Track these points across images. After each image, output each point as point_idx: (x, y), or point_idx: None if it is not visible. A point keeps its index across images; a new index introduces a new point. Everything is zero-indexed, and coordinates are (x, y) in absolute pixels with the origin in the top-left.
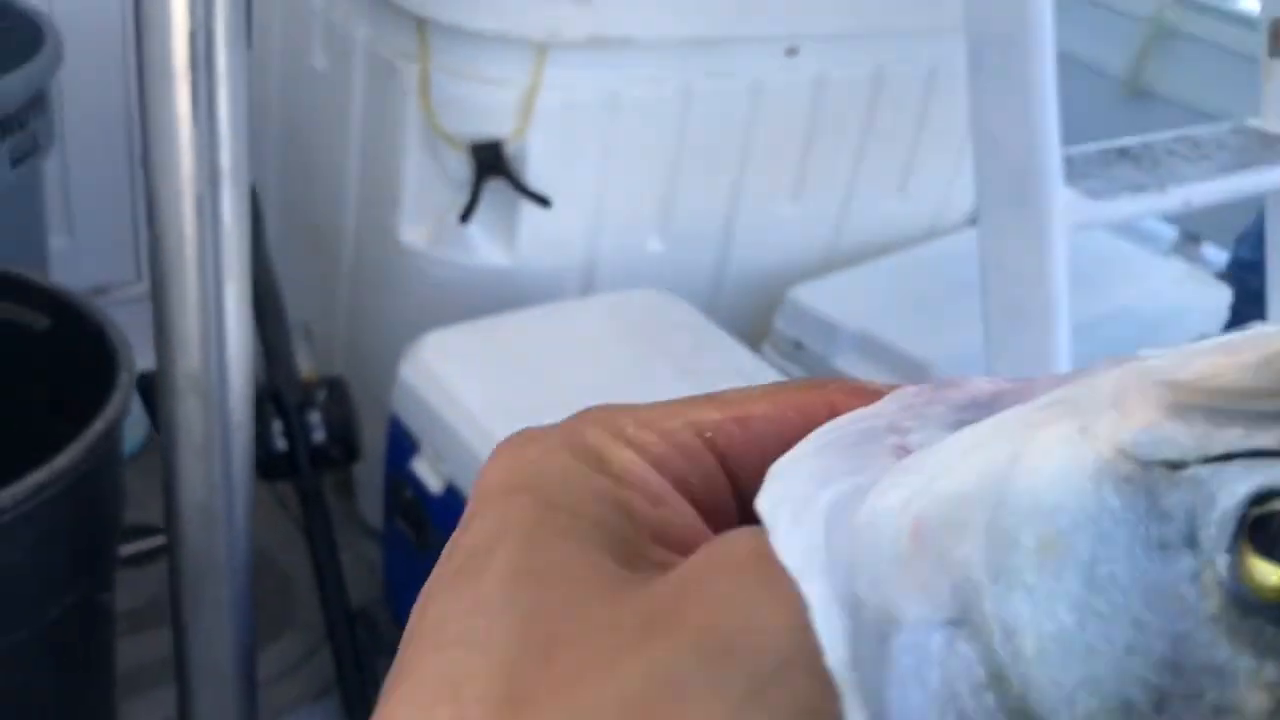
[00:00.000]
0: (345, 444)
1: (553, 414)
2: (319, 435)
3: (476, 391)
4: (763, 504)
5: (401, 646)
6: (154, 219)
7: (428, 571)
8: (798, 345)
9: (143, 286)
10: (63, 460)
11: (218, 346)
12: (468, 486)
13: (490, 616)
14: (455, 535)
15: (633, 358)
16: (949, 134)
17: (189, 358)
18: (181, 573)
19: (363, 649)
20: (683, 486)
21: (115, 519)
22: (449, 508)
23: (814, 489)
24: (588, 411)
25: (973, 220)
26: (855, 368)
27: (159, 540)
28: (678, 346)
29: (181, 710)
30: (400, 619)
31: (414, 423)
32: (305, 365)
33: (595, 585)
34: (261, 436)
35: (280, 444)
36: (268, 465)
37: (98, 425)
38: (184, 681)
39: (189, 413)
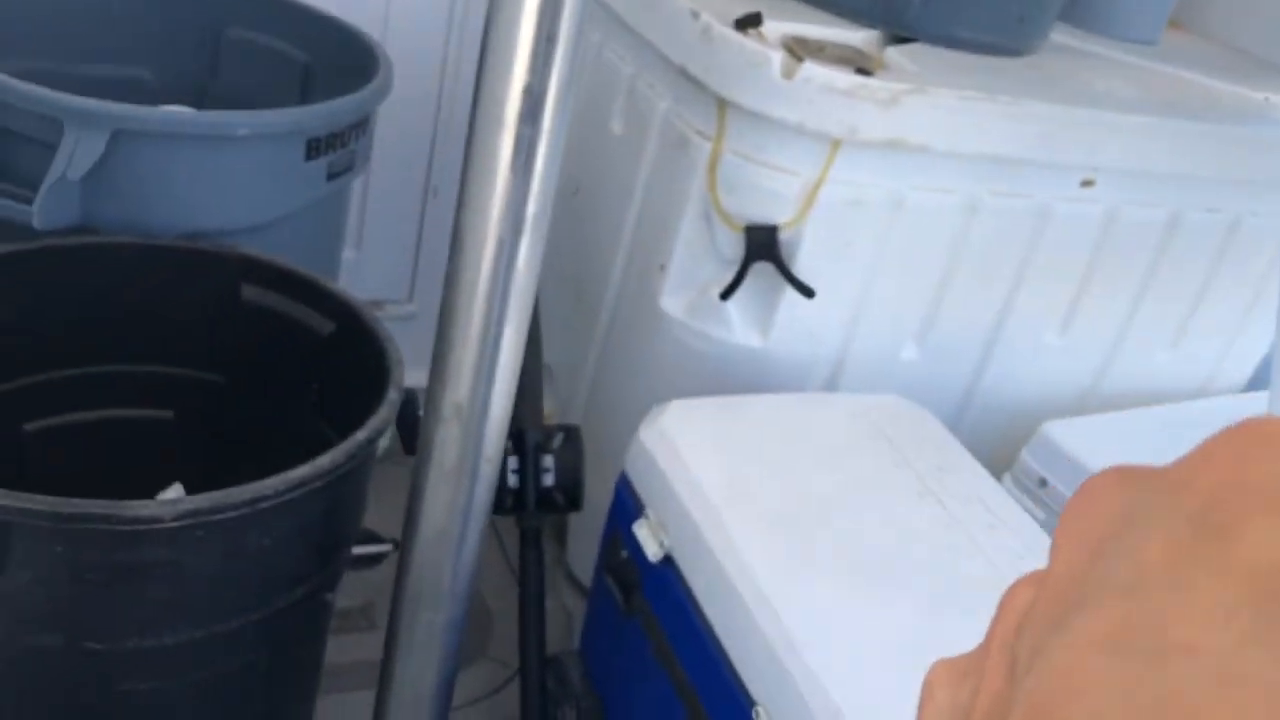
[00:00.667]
0: (570, 491)
1: (781, 506)
2: (548, 479)
3: (710, 467)
4: None
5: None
6: (456, 253)
7: (629, 635)
8: (1042, 482)
9: (412, 307)
10: (325, 460)
11: (487, 381)
12: (683, 560)
13: None
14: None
15: (873, 465)
16: (1239, 292)
17: (459, 388)
18: (406, 589)
19: (550, 694)
20: None
21: (356, 523)
22: (662, 578)
23: None
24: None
25: (1252, 386)
26: None
27: (386, 548)
28: (921, 462)
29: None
30: (592, 673)
31: (642, 486)
32: (546, 406)
33: None
34: (501, 473)
35: (513, 480)
36: (497, 499)
37: (362, 433)
38: (384, 692)
39: (447, 439)
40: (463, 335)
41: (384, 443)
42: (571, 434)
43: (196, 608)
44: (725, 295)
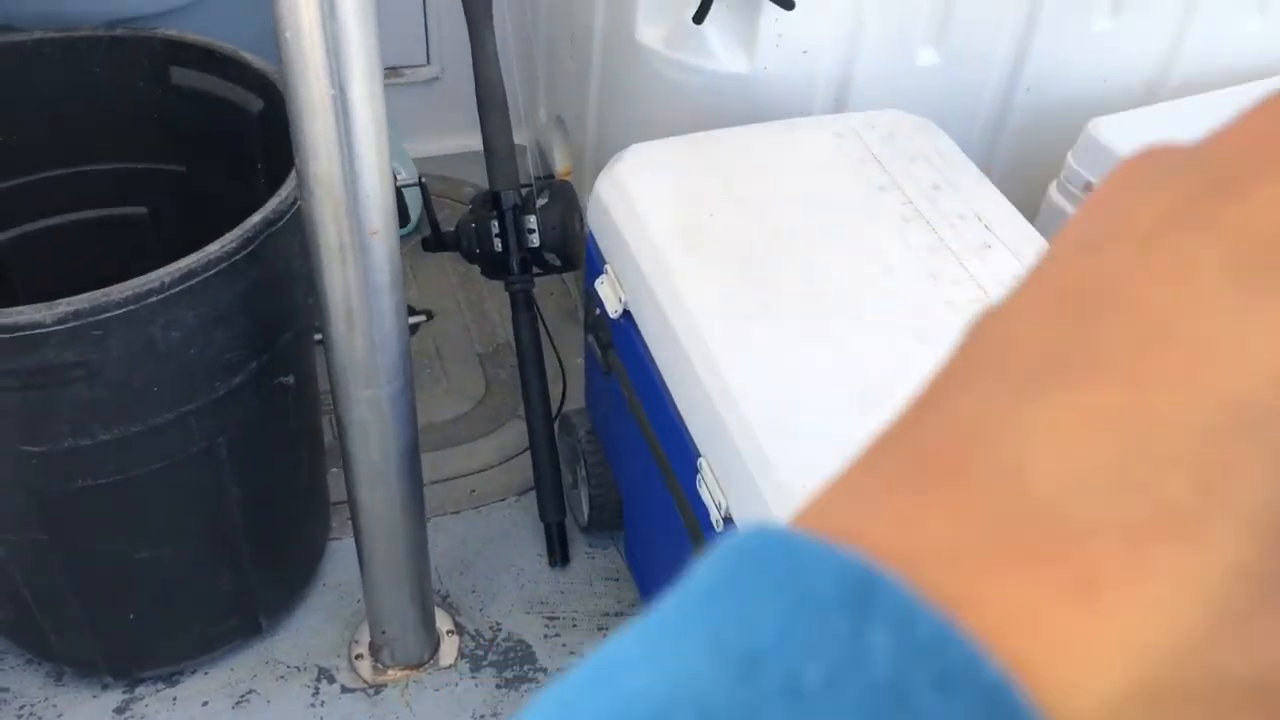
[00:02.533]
0: (562, 250)
1: (740, 248)
2: (534, 239)
3: (665, 213)
4: None
5: (1103, 328)
6: (275, 13)
7: (611, 390)
8: (1088, 187)
9: (433, 70)
10: (214, 248)
11: (345, 148)
12: (640, 314)
13: None
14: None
15: (853, 192)
16: None
17: (318, 159)
18: (334, 369)
19: (563, 450)
20: None
21: (291, 305)
22: (624, 333)
23: None
24: None
25: None
26: None
27: (420, 318)
28: (913, 181)
29: (350, 499)
30: (598, 430)
31: (602, 240)
32: (560, 160)
33: None
34: (480, 237)
35: (498, 245)
36: (487, 265)
37: (256, 216)
38: (348, 472)
39: (323, 216)
40: (305, 101)
41: (410, 225)
42: (557, 191)
43: (125, 403)
44: (698, 18)
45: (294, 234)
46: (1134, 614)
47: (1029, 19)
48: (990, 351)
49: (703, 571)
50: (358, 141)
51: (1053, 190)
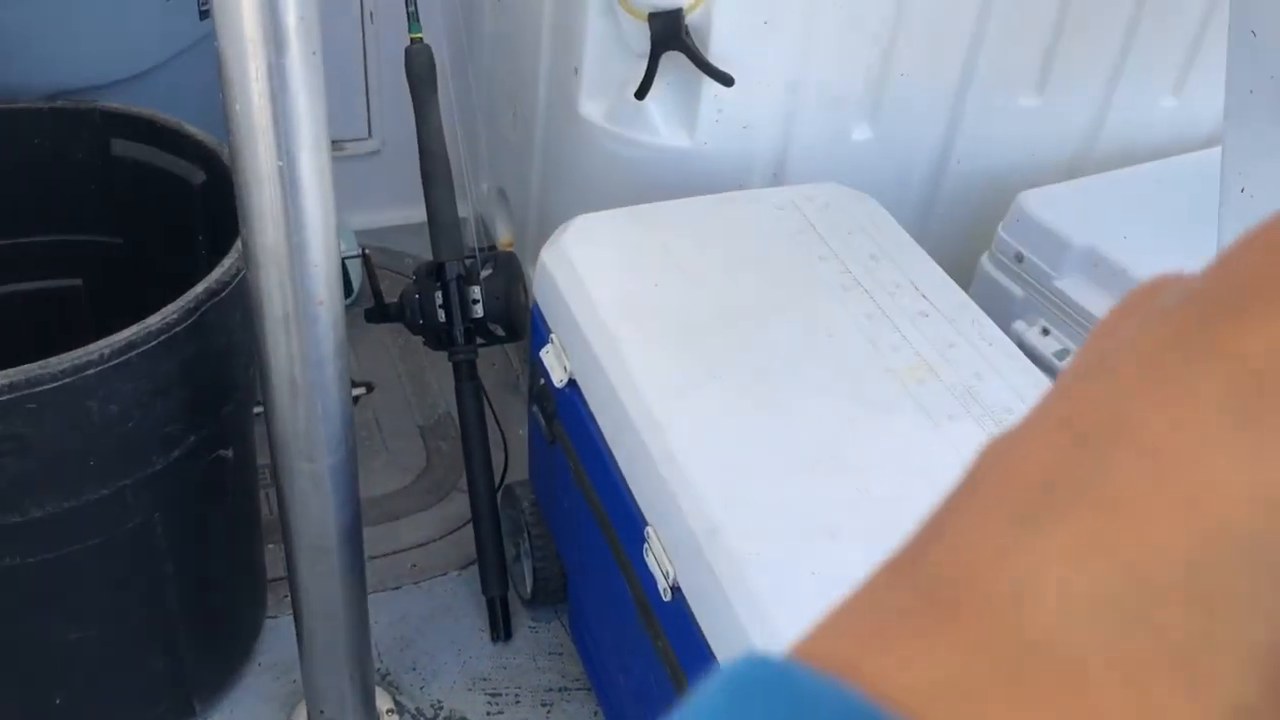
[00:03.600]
0: (506, 321)
1: (684, 317)
2: (479, 310)
3: (609, 283)
4: None
5: (1103, 461)
6: (225, 84)
7: (555, 461)
8: (1019, 258)
9: (373, 144)
10: (154, 320)
11: (292, 219)
12: (586, 383)
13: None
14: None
15: (794, 262)
16: None
17: (265, 230)
18: (274, 440)
19: (507, 522)
20: None
21: (234, 378)
22: (569, 403)
23: None
24: None
25: None
26: (1079, 290)
27: (359, 391)
28: (851, 252)
29: (290, 575)
30: (541, 502)
31: (547, 309)
32: (502, 231)
33: None
34: (424, 307)
35: (442, 316)
36: (430, 336)
37: (199, 287)
38: (287, 545)
39: (269, 286)
40: (252, 172)
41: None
42: (501, 262)
43: (58, 477)
44: (640, 93)
45: (237, 305)
46: None
47: (958, 96)
48: (992, 481)
49: (701, 702)
50: (305, 212)
51: (985, 260)
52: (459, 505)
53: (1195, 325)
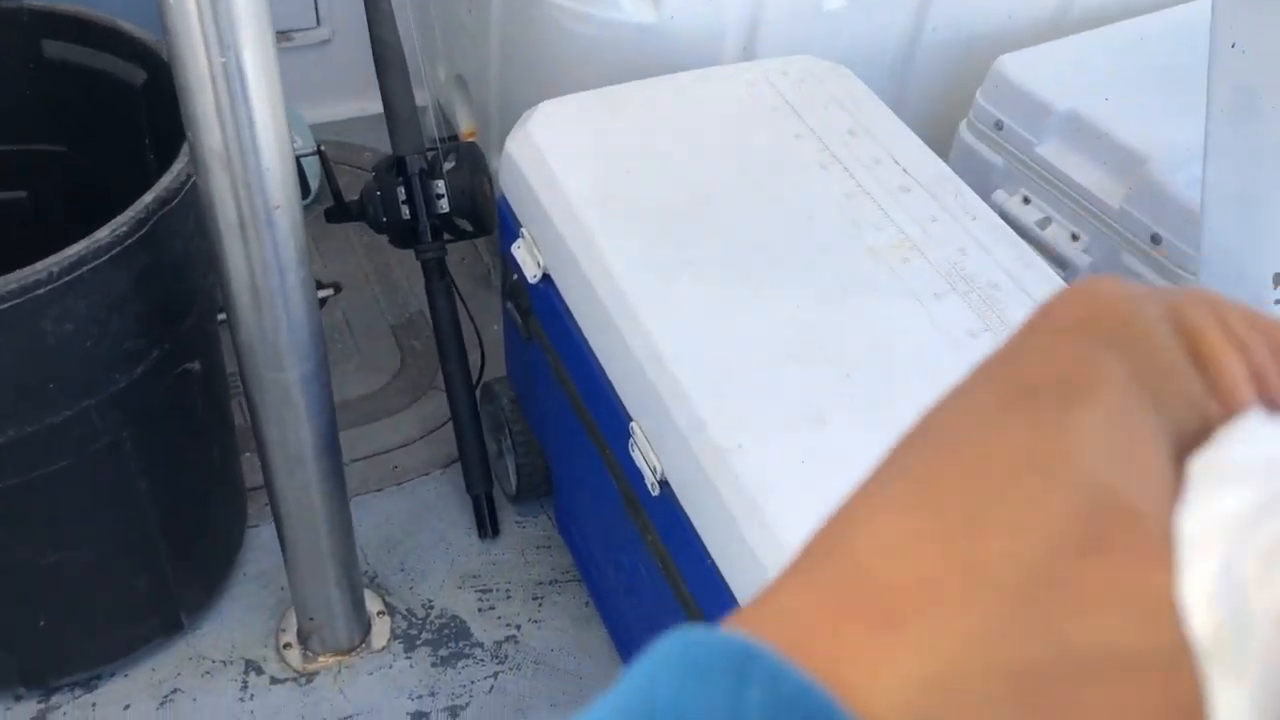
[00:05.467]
0: (473, 214)
1: (658, 204)
2: (444, 205)
3: (579, 172)
4: (1194, 464)
5: (916, 449)
6: None
7: (533, 358)
8: (998, 125)
9: (323, 32)
10: (103, 234)
11: (242, 121)
12: (561, 278)
13: (1074, 472)
14: (1008, 354)
15: (770, 140)
16: None
17: (211, 135)
18: (241, 350)
19: (487, 420)
20: (1270, 405)
21: (194, 289)
22: (545, 298)
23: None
24: (1195, 292)
25: None
26: (1061, 157)
27: (326, 292)
28: (829, 127)
29: (267, 485)
30: (521, 396)
31: (516, 202)
32: (464, 121)
33: (1167, 497)
34: (386, 205)
35: (406, 212)
36: (395, 234)
37: (148, 196)
38: (262, 455)
39: (221, 192)
40: (193, 71)
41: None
42: (464, 153)
43: (19, 402)
44: None
45: (189, 213)
46: (922, 633)
47: None
48: (861, 481)
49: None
50: (254, 111)
51: (963, 129)
52: (437, 404)
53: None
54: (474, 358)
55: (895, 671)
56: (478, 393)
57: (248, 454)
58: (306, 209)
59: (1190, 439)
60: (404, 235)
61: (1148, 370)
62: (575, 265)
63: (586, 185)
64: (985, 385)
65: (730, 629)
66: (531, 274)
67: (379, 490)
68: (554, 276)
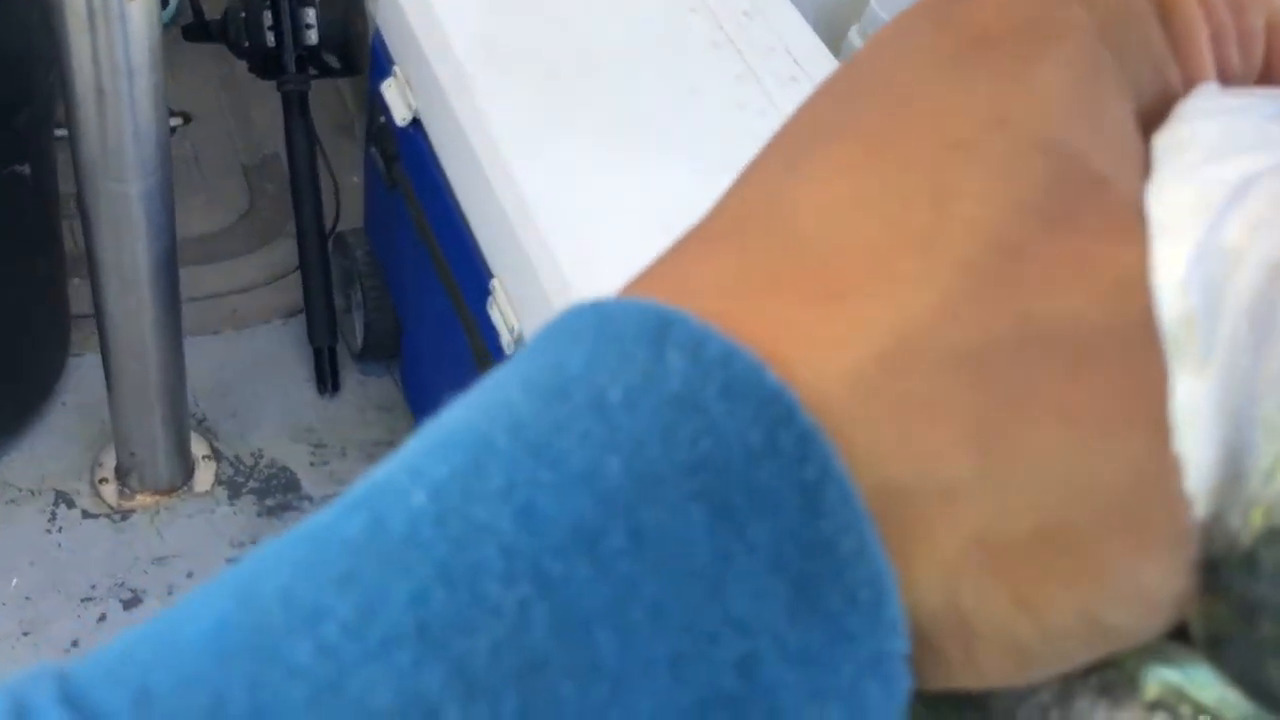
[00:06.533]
0: (344, 51)
1: (544, 62)
2: (312, 36)
3: (464, 17)
4: (1158, 141)
5: (856, 105)
6: None
7: (396, 207)
8: None
9: None
10: None
11: None
12: (432, 123)
13: (1042, 135)
14: None
15: (663, 11)
16: None
17: None
18: (80, 163)
19: (339, 272)
20: (1223, 74)
21: (21, 83)
22: (413, 144)
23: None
24: None
25: None
26: None
27: (175, 121)
28: (726, 8)
29: (96, 309)
30: (378, 250)
31: (392, 39)
32: None
33: (1137, 169)
34: (251, 30)
35: (271, 40)
36: (257, 61)
37: None
38: (94, 279)
39: None
40: None
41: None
42: None
43: None
44: None
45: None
46: (872, 308)
47: None
48: (778, 137)
49: (524, 345)
50: None
51: (853, 33)
52: (286, 252)
53: (942, 4)
54: (330, 207)
55: (840, 349)
56: (330, 243)
57: (76, 280)
58: (165, 27)
59: (1149, 110)
60: (266, 64)
61: (1114, 22)
62: (449, 111)
63: (469, 30)
64: (934, 34)
65: (641, 298)
66: (401, 116)
67: (216, 334)
68: (424, 121)
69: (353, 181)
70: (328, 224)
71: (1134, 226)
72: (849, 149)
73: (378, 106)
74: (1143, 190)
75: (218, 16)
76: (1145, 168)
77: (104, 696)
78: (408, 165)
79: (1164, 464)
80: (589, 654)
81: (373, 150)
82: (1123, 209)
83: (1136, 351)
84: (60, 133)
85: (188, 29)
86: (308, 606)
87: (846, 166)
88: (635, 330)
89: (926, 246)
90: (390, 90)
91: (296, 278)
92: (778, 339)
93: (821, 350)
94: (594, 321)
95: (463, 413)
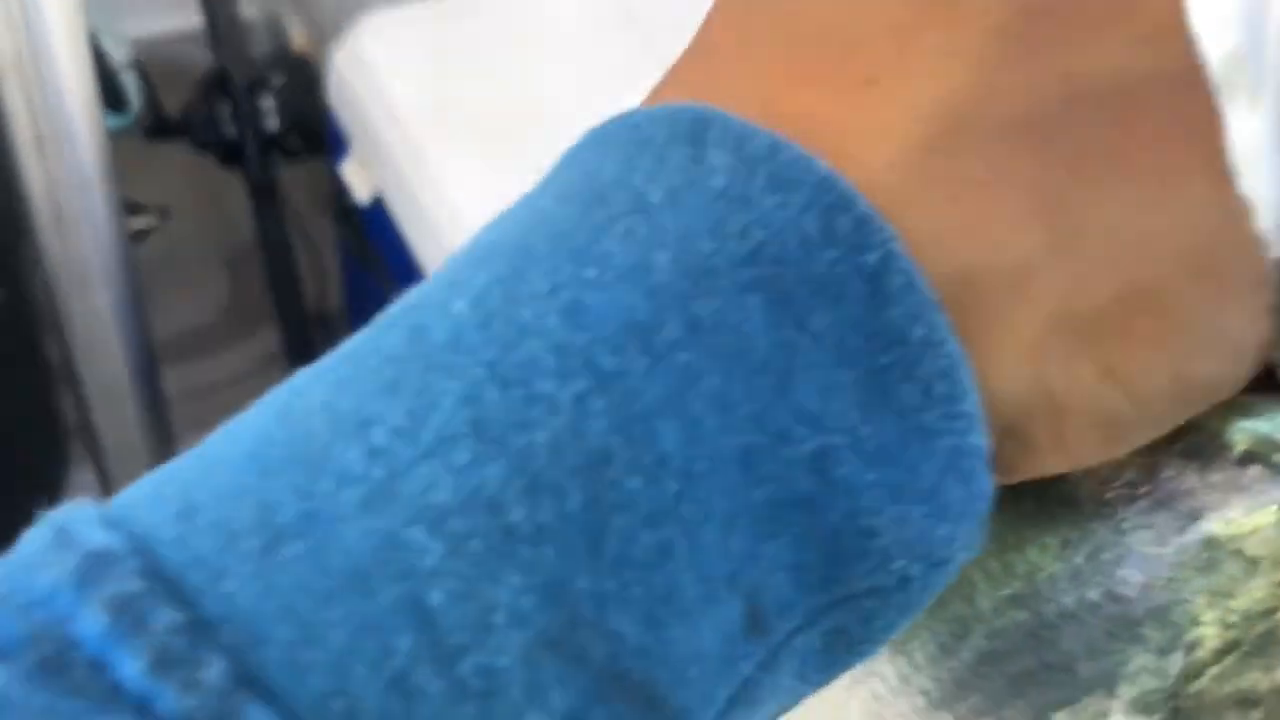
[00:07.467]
0: (305, 133)
1: (502, 117)
2: (273, 123)
3: (413, 88)
4: None
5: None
6: None
7: (370, 289)
8: None
9: None
10: None
11: (33, 25)
12: (397, 201)
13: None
14: None
15: (613, 54)
16: None
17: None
18: (49, 283)
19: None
20: None
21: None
22: (379, 221)
23: None
24: None
25: None
26: None
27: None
28: (679, 43)
29: (82, 419)
30: (355, 330)
31: (346, 118)
32: (297, 34)
33: None
34: (211, 122)
35: (231, 130)
36: (221, 154)
37: None
38: (77, 393)
39: (14, 102)
40: None
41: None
42: (296, 68)
43: None
44: None
45: None
46: (908, 89)
47: None
48: None
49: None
50: (45, 10)
51: None
52: (273, 338)
53: None
54: (316, 284)
55: (883, 138)
56: (316, 324)
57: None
58: (128, 129)
59: None
60: (230, 155)
61: None
62: (407, 186)
63: (420, 98)
64: None
65: (669, 103)
66: (362, 196)
67: (210, 428)
68: (386, 199)
69: (335, 258)
70: (313, 304)
71: None
72: None
73: (341, 187)
74: None
75: (178, 112)
76: None
77: (145, 515)
78: (376, 244)
79: (1232, 207)
80: (652, 448)
81: (342, 231)
82: None
83: (1185, 95)
84: None
85: (149, 128)
86: (353, 416)
87: None
88: (668, 133)
89: (951, 18)
90: (350, 170)
91: (285, 363)
92: (815, 133)
93: (864, 140)
94: (623, 130)
95: (495, 229)
